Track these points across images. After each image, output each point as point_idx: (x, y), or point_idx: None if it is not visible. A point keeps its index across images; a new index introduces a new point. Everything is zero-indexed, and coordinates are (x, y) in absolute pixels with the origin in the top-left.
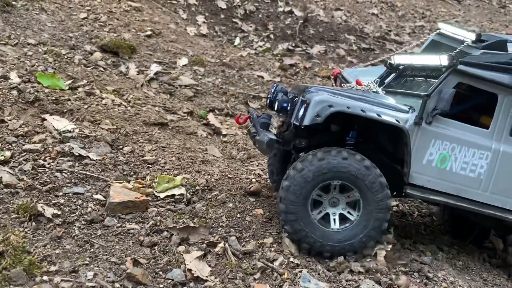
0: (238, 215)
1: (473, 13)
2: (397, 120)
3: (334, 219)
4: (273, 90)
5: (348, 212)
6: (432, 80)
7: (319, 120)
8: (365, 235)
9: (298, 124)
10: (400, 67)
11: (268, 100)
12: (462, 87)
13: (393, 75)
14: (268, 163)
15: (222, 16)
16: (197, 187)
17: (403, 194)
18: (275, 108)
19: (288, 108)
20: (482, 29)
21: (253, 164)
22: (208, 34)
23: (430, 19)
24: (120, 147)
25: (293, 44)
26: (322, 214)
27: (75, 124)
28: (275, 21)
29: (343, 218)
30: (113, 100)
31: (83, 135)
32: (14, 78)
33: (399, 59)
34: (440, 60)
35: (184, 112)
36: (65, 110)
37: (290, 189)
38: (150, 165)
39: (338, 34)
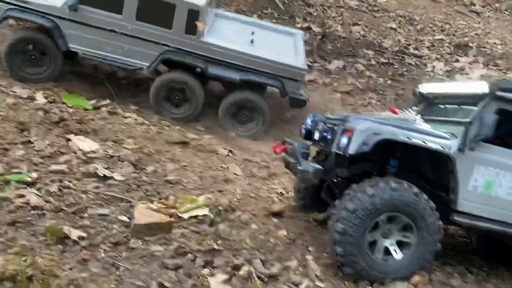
0: (262, 237)
1: (493, 25)
2: (442, 147)
3: (395, 250)
4: (310, 121)
5: (404, 236)
6: (469, 107)
7: (367, 149)
8: (422, 258)
9: (342, 153)
10: (430, 96)
11: (303, 130)
12: (502, 112)
13: (422, 103)
14: (294, 185)
15: None
16: (220, 208)
17: (449, 221)
18: (316, 138)
19: (329, 137)
20: (503, 41)
21: (274, 182)
22: None
23: (449, 32)
24: (143, 167)
25: (312, 60)
26: (381, 249)
27: (99, 144)
28: None
29: (400, 245)
30: (135, 119)
31: (107, 155)
32: (40, 98)
33: (429, 88)
34: (480, 87)
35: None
36: (88, 130)
37: (346, 231)
38: (173, 185)
39: (357, 49)
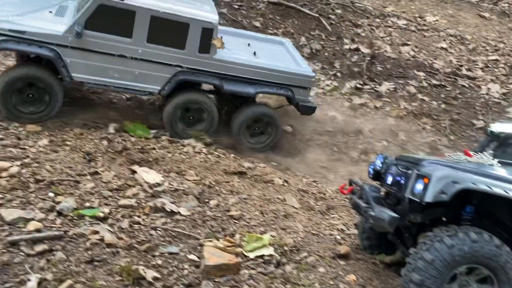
0: (331, 282)
1: None
2: None
3: None
4: (380, 162)
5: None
6: None
7: (445, 198)
8: None
9: (418, 200)
10: (503, 136)
11: (371, 171)
12: None
13: (494, 144)
14: (358, 223)
15: None
16: (285, 247)
17: None
18: (389, 182)
19: (402, 182)
20: None
21: (334, 217)
22: None
23: (504, 52)
24: (206, 200)
25: (361, 82)
26: None
27: (163, 176)
28: (341, 58)
29: None
30: (193, 147)
31: (172, 189)
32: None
33: (502, 128)
34: None
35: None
36: (150, 159)
37: (424, 282)
38: (236, 221)
39: (407, 70)
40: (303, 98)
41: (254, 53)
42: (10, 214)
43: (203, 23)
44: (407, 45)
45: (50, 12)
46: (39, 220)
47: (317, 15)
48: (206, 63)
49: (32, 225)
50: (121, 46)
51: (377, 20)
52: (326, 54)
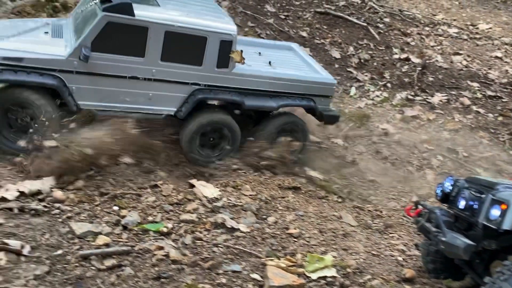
0: None
1: None
2: None
3: None
4: (450, 184)
5: None
6: None
7: None
8: None
9: (494, 227)
10: None
11: (440, 193)
12: None
13: None
14: (420, 245)
15: (337, 65)
16: (347, 269)
17: None
18: (461, 207)
19: (476, 207)
20: None
21: (393, 236)
22: None
23: None
24: (264, 216)
25: (412, 93)
26: None
27: (220, 191)
28: (391, 69)
29: None
30: None
31: (230, 204)
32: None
33: None
34: None
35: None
36: (205, 171)
37: None
38: (295, 239)
39: (460, 81)
40: (325, 107)
41: (270, 63)
42: (80, 227)
43: (221, 36)
44: (459, 54)
45: (46, 33)
46: (107, 234)
47: (365, 24)
48: (225, 78)
49: (101, 239)
50: (133, 67)
51: (427, 28)
52: (375, 64)
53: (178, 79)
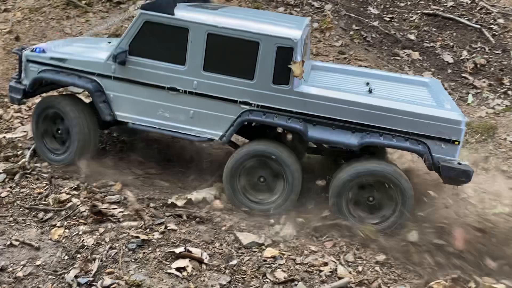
0: None
1: None
2: None
3: None
4: None
5: None
6: None
7: None
8: None
9: None
10: None
11: None
12: None
13: None
14: None
15: (450, 71)
16: None
17: None
18: None
19: None
20: None
21: None
22: None
23: None
24: None
25: None
26: None
27: None
28: (511, 74)
29: None
30: None
31: None
32: None
33: None
34: None
35: None
36: None
37: None
38: None
39: None
40: (446, 157)
41: (370, 90)
42: (245, 237)
43: (278, 40)
44: None
45: (109, 42)
46: (268, 245)
47: (478, 26)
48: (284, 98)
49: (268, 252)
50: (172, 76)
51: None
52: (492, 69)
53: (225, 95)
